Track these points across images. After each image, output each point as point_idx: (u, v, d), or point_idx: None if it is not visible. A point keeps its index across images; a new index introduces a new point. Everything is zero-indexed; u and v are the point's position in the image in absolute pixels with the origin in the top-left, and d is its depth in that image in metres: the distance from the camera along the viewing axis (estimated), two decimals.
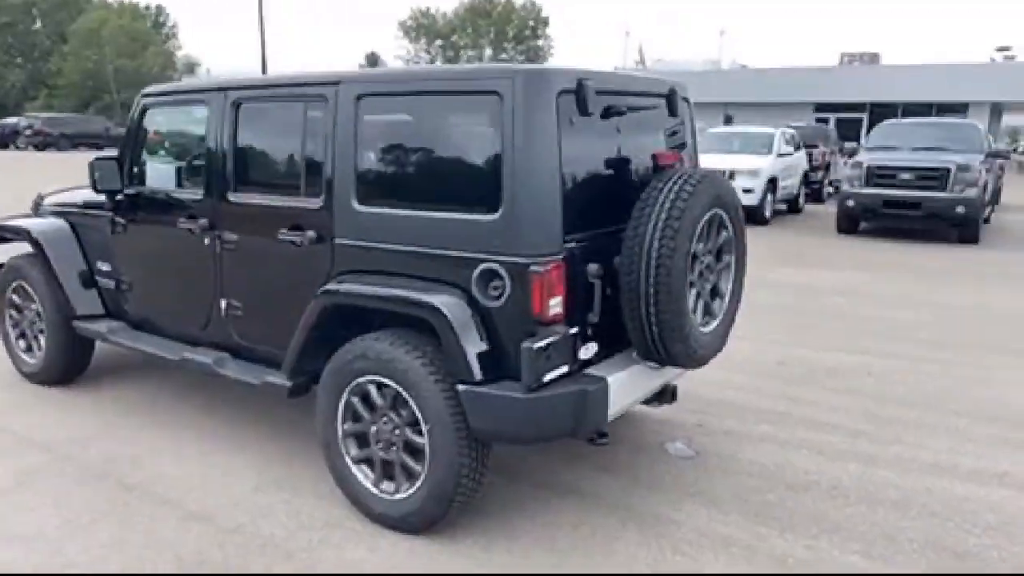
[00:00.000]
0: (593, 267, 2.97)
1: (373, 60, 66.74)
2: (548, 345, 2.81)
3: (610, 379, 2.98)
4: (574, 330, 2.93)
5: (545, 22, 62.10)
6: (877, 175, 11.75)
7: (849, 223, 12.32)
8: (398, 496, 3.18)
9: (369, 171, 3.20)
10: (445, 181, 3.04)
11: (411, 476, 3.15)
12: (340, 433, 3.32)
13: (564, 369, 2.92)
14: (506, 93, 2.80)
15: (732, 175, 12.83)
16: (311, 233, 3.36)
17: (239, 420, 4.34)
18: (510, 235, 2.82)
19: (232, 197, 3.67)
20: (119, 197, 4.20)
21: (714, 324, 3.32)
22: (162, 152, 4.19)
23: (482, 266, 2.88)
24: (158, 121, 4.17)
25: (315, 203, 3.35)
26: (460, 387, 2.90)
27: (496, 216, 2.84)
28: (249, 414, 4.41)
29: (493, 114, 2.83)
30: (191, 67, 72.28)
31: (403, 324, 3.17)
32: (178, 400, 4.63)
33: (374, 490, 3.25)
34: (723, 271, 3.39)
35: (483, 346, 2.90)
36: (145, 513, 3.37)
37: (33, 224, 4.70)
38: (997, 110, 31.92)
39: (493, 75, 2.85)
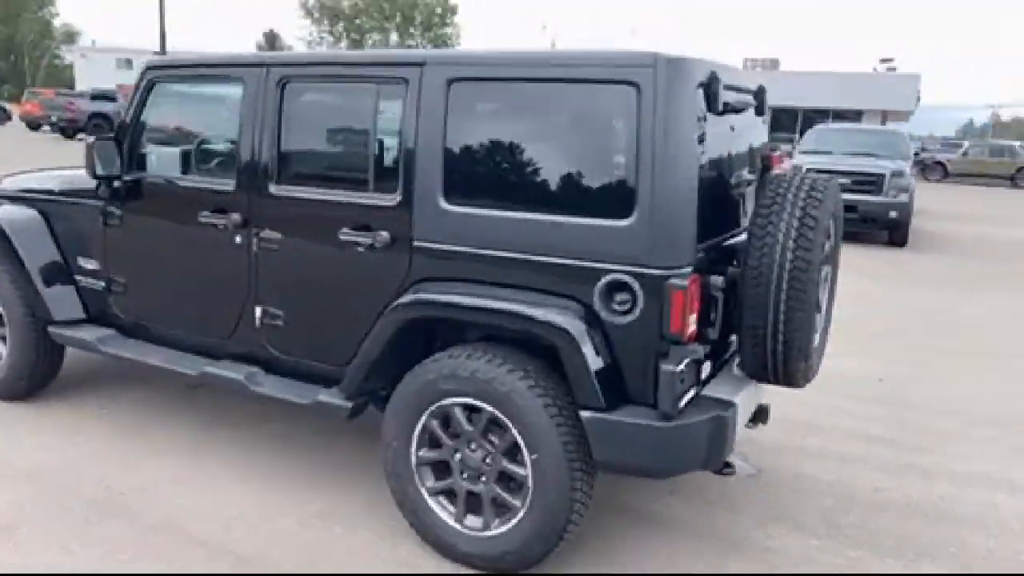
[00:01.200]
0: (718, 279, 2.72)
1: (271, 39, 64.14)
2: (686, 367, 2.54)
3: (737, 401, 2.74)
4: (704, 349, 2.68)
5: (453, 10, 61.39)
6: None
7: None
8: (490, 533, 2.83)
9: (462, 166, 2.81)
10: (560, 181, 2.70)
11: (505, 510, 2.82)
12: (414, 461, 2.94)
13: (693, 393, 2.67)
14: (646, 83, 2.49)
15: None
16: (384, 234, 2.94)
17: (250, 441, 3.84)
18: (646, 243, 2.52)
19: (275, 190, 3.19)
20: (116, 184, 3.62)
21: (817, 339, 3.14)
22: (173, 134, 3.64)
23: (608, 277, 2.58)
24: (170, 98, 3.61)
25: (389, 200, 2.94)
26: (585, 414, 2.59)
27: (629, 221, 2.54)
28: (258, 433, 3.92)
29: (627, 106, 2.52)
30: (71, 36, 67.49)
31: (492, 340, 2.84)
32: (169, 417, 4.07)
33: (457, 526, 2.89)
34: (822, 283, 3.21)
35: (604, 367, 2.60)
36: (183, 557, 2.88)
37: None
38: (885, 117, 33.85)
39: (630, 63, 2.54)
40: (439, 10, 61.04)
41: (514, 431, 2.71)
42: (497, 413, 2.72)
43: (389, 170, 2.96)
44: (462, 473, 2.88)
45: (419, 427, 2.90)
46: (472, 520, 2.88)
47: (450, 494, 2.92)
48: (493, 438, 2.79)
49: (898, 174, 11.75)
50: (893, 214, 11.66)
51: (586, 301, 2.62)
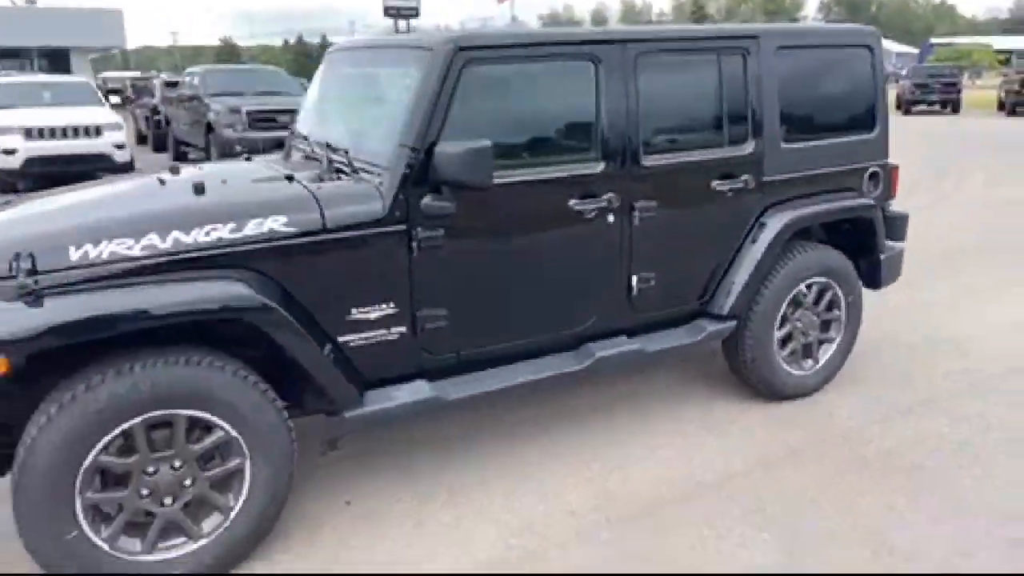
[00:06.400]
0: None
1: None
2: None
3: None
4: None
5: None
6: (257, 119, 12.59)
7: None
8: (814, 369, 4.08)
9: (789, 113, 3.75)
10: (837, 113, 3.98)
11: (823, 346, 4.12)
12: (776, 339, 3.89)
13: None
14: (875, 46, 4.03)
15: (99, 131, 11.63)
16: (747, 177, 3.64)
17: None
18: (883, 146, 4.14)
19: (647, 162, 3.37)
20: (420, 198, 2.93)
21: None
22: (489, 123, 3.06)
23: (870, 170, 4.10)
24: (488, 81, 3.01)
25: (745, 150, 3.63)
26: (884, 256, 4.14)
27: (873, 134, 4.08)
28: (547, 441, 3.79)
29: (866, 61, 4.01)
30: None
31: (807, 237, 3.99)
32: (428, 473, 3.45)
33: (797, 372, 4.02)
34: None
35: None
36: None
37: (218, 294, 2.55)
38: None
39: (868, 32, 4.01)
40: None
41: (839, 291, 4.02)
42: (832, 283, 3.98)
43: (739, 126, 3.61)
44: (803, 333, 4.00)
45: (783, 310, 3.86)
46: (806, 362, 4.06)
47: (793, 352, 4.00)
48: (822, 302, 4.03)
49: None
50: None
51: (859, 188, 4.08)
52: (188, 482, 2.61)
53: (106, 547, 2.49)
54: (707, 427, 3.79)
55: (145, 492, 2.54)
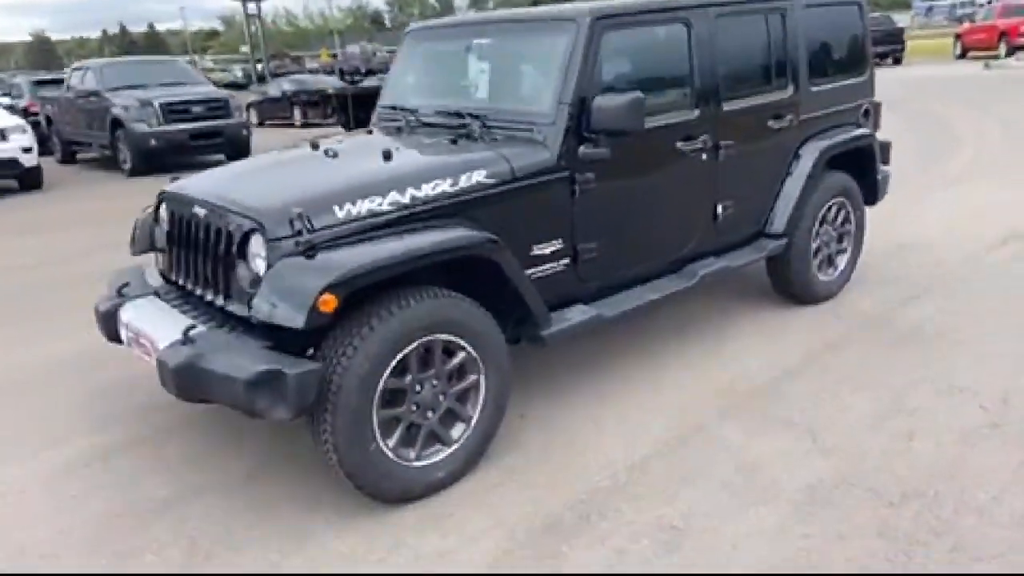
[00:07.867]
0: None
1: None
2: None
3: None
4: None
5: None
6: (171, 111, 12.28)
7: (150, 161, 12.36)
8: (835, 275, 4.95)
9: (812, 60, 4.53)
10: (844, 59, 4.80)
11: (840, 256, 4.99)
12: (812, 251, 4.70)
13: None
14: (864, 3, 4.88)
15: (3, 135, 11.19)
16: (791, 116, 4.41)
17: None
18: (872, 87, 5.02)
19: (727, 107, 4.04)
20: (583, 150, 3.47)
21: None
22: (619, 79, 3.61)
23: (864, 106, 4.98)
24: (615, 46, 3.55)
25: (787, 93, 4.39)
26: (879, 178, 5.04)
27: (865, 77, 4.96)
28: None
29: (857, 16, 4.86)
30: None
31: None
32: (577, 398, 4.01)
33: (824, 278, 4.86)
34: None
35: None
36: None
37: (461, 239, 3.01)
38: None
39: None
40: None
41: (850, 207, 4.89)
42: (845, 201, 4.84)
43: (781, 72, 4.35)
44: (826, 244, 4.84)
45: (815, 226, 4.67)
46: (830, 270, 4.92)
47: (822, 262, 4.84)
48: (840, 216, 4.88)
49: (232, 97, 13.09)
50: (245, 132, 13.05)
51: (857, 122, 4.94)
52: (441, 397, 3.06)
53: (393, 456, 2.92)
54: (764, 332, 4.54)
55: (415, 407, 2.98)
